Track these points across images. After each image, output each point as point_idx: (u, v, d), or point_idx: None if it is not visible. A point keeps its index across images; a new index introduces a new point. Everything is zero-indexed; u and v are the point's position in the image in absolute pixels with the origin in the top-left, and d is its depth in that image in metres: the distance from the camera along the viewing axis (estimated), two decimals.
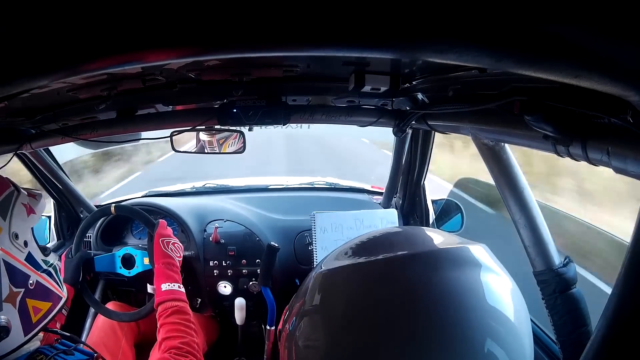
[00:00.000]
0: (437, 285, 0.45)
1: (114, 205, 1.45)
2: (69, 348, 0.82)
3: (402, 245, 0.51)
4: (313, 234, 1.49)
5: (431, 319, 0.44)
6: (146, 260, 1.47)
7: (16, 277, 0.73)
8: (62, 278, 0.86)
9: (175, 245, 1.25)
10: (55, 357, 0.76)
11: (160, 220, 1.30)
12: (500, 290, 0.48)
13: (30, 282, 0.76)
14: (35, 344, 0.79)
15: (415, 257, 0.48)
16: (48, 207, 1.65)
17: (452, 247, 0.50)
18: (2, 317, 0.70)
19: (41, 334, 0.82)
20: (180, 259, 1.25)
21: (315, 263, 1.44)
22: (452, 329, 0.43)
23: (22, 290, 0.74)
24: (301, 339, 0.51)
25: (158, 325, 1.02)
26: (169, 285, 1.10)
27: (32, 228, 0.80)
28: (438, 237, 0.54)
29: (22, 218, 0.77)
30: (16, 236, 0.75)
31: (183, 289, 1.12)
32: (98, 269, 1.49)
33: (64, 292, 0.86)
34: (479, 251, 0.51)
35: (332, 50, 0.38)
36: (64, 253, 1.43)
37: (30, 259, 0.77)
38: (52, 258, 0.84)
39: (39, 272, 0.78)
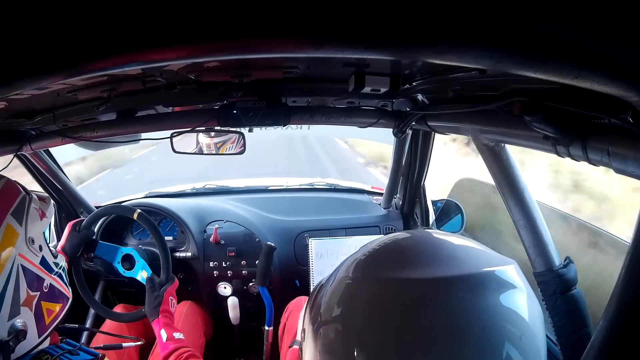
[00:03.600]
0: (477, 312, 0.44)
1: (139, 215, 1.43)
2: (74, 348, 0.82)
3: (434, 262, 0.49)
4: (310, 260, 1.50)
5: (454, 344, 0.44)
6: (144, 274, 1.47)
7: (33, 281, 0.74)
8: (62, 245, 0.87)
9: (175, 305, 1.33)
10: (60, 357, 0.77)
11: (176, 280, 1.36)
12: (522, 314, 0.47)
13: (45, 285, 0.77)
14: (43, 343, 0.80)
15: (455, 281, 0.46)
16: None
17: (482, 273, 0.47)
18: (19, 320, 0.70)
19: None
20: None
21: (312, 286, 1.45)
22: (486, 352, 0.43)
23: (38, 293, 0.75)
24: (327, 348, 0.50)
25: None
26: (179, 334, 1.18)
27: (43, 232, 0.81)
28: (472, 254, 0.52)
29: (36, 222, 0.77)
30: (32, 241, 0.75)
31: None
32: (97, 252, 1.48)
33: (70, 292, 0.87)
34: (507, 274, 0.49)
35: (332, 51, 0.38)
36: (72, 222, 1.41)
37: (44, 262, 0.78)
38: (60, 260, 0.85)
39: (51, 275, 0.79)
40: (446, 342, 0.43)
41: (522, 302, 0.47)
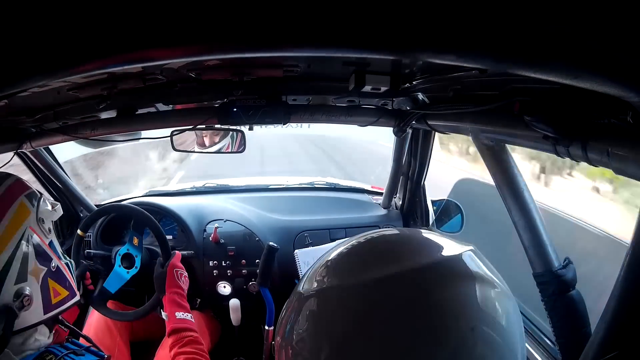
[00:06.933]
0: (430, 306, 0.45)
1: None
2: (80, 348, 0.83)
3: (390, 258, 0.50)
4: (299, 269, 1.50)
5: (426, 337, 0.44)
6: (135, 241, 1.47)
7: (41, 255, 0.78)
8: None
9: (185, 277, 1.29)
10: (65, 357, 0.77)
11: (177, 252, 1.34)
12: (492, 300, 0.48)
13: (52, 264, 0.80)
14: (45, 340, 0.80)
15: (406, 277, 0.47)
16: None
17: (441, 261, 0.49)
18: (26, 287, 0.74)
19: (52, 331, 0.82)
20: (186, 289, 1.28)
21: None
22: (447, 341, 0.44)
23: (45, 269, 0.78)
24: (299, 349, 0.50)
25: (172, 354, 1.04)
26: (182, 314, 1.12)
27: (52, 221, 0.85)
28: (426, 245, 0.52)
29: (46, 209, 0.83)
30: (42, 221, 0.81)
31: (193, 320, 1.14)
32: (114, 290, 1.46)
33: (78, 292, 0.88)
34: (469, 259, 0.50)
35: (332, 50, 0.38)
36: None
37: (52, 245, 0.82)
38: (69, 259, 0.88)
39: (60, 261, 0.83)
40: (399, 338, 0.44)
41: (475, 290, 0.47)
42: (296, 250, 1.52)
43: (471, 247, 0.51)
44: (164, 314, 1.15)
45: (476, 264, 0.50)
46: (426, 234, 0.56)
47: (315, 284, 0.52)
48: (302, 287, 0.54)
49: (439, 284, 0.46)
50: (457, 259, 0.49)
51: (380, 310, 0.46)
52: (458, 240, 0.54)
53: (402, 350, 0.44)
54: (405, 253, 0.50)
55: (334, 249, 0.55)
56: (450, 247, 0.51)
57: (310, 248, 1.55)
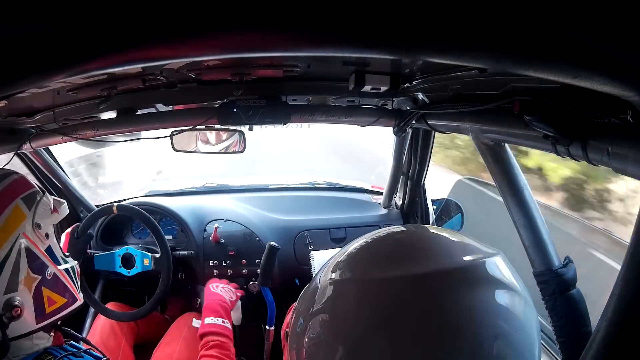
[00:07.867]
0: (452, 307, 0.45)
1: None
2: (79, 350, 0.82)
3: (415, 257, 0.49)
4: (313, 271, 1.51)
5: (445, 342, 0.44)
6: (146, 261, 1.48)
7: (35, 263, 0.75)
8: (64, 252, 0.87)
9: (225, 288, 1.33)
10: (63, 359, 0.76)
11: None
12: (517, 310, 0.48)
13: (48, 272, 0.77)
14: (44, 343, 0.79)
15: (431, 278, 0.46)
16: None
17: (468, 266, 0.47)
18: (16, 297, 0.71)
19: (52, 334, 0.82)
20: (233, 299, 1.31)
21: None
22: (468, 348, 0.44)
23: (39, 277, 0.75)
24: (312, 351, 0.50)
25: (198, 356, 1.07)
26: (212, 319, 1.15)
27: (54, 226, 0.83)
28: (454, 247, 0.51)
29: (46, 213, 0.80)
30: (39, 226, 0.77)
31: (228, 325, 1.17)
32: (97, 267, 1.49)
33: (81, 296, 0.86)
34: (494, 266, 0.48)
35: (332, 50, 0.38)
36: (68, 231, 1.43)
37: (50, 251, 0.79)
38: (71, 262, 0.86)
39: (57, 266, 0.80)
40: (420, 335, 0.44)
41: (501, 298, 0.47)
42: (312, 252, 1.52)
43: (498, 253, 0.51)
44: (196, 322, 1.19)
45: (504, 270, 0.49)
46: (453, 235, 0.55)
47: (335, 276, 0.51)
48: (320, 277, 0.53)
49: (465, 290, 0.45)
50: (485, 265, 0.48)
51: (401, 309, 0.45)
52: (485, 244, 0.53)
53: (421, 352, 0.43)
54: (433, 253, 0.50)
55: (356, 242, 0.54)
56: (478, 251, 0.50)
57: (327, 251, 1.55)
